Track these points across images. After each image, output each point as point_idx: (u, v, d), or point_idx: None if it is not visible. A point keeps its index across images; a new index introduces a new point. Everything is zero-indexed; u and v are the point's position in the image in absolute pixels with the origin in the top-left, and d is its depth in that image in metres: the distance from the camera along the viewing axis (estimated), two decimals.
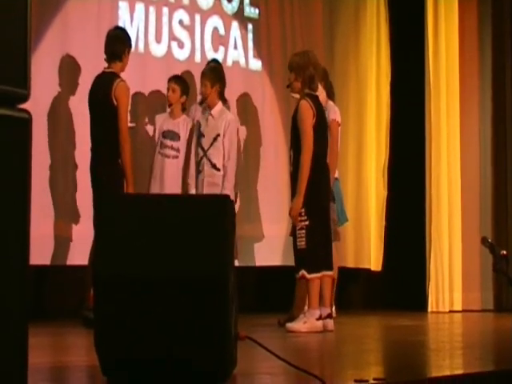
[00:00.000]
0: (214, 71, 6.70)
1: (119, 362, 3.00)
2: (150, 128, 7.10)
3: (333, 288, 6.23)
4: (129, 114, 6.27)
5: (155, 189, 6.63)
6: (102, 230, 3.10)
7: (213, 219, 3.04)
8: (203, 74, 6.68)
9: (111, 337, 2.99)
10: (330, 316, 5.85)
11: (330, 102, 6.63)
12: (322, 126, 5.94)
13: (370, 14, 8.85)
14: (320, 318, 5.77)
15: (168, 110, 6.88)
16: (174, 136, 6.72)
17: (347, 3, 8.77)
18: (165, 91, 6.92)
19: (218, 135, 6.57)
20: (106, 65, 6.13)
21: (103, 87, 6.02)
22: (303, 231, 5.76)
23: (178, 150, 6.73)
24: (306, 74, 5.90)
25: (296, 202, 5.78)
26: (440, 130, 8.73)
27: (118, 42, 6.13)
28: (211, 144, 6.59)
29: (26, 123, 2.02)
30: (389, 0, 8.97)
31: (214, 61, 7.18)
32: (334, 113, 6.57)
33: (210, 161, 6.59)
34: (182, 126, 6.76)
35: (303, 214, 5.77)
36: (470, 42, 9.06)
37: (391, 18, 8.95)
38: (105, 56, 6.14)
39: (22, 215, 2.00)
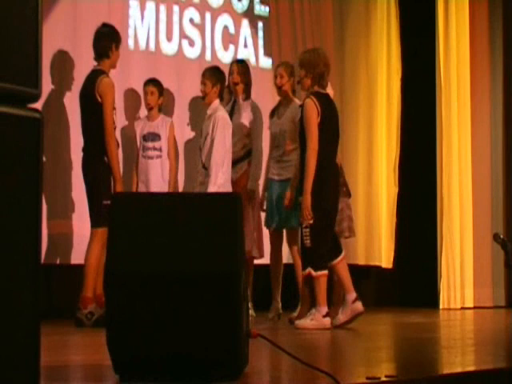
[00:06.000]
0: (216, 72, 6.72)
1: (131, 359, 3.01)
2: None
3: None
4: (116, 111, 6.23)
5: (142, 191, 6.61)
6: (114, 228, 3.11)
7: (224, 217, 3.05)
8: (204, 74, 6.70)
9: (123, 335, 3.00)
10: (357, 298, 5.91)
11: None
12: (328, 125, 5.93)
13: (380, 11, 8.84)
14: (327, 314, 5.80)
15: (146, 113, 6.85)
16: (154, 137, 6.74)
17: (357, 0, 8.76)
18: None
19: (208, 134, 6.58)
20: (95, 63, 6.17)
21: (89, 85, 6.08)
22: (308, 230, 5.80)
23: (160, 150, 6.74)
24: (316, 71, 5.94)
25: (304, 201, 5.79)
26: (451, 126, 8.71)
27: (103, 40, 6.16)
28: (203, 143, 6.61)
29: (37, 123, 2.03)
30: None
31: (240, 61, 7.18)
32: None
33: (201, 160, 6.61)
34: (161, 125, 6.77)
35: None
36: (481, 37, 9.03)
37: (401, 14, 8.93)
38: (94, 55, 6.17)
39: (34, 214, 2.01)
